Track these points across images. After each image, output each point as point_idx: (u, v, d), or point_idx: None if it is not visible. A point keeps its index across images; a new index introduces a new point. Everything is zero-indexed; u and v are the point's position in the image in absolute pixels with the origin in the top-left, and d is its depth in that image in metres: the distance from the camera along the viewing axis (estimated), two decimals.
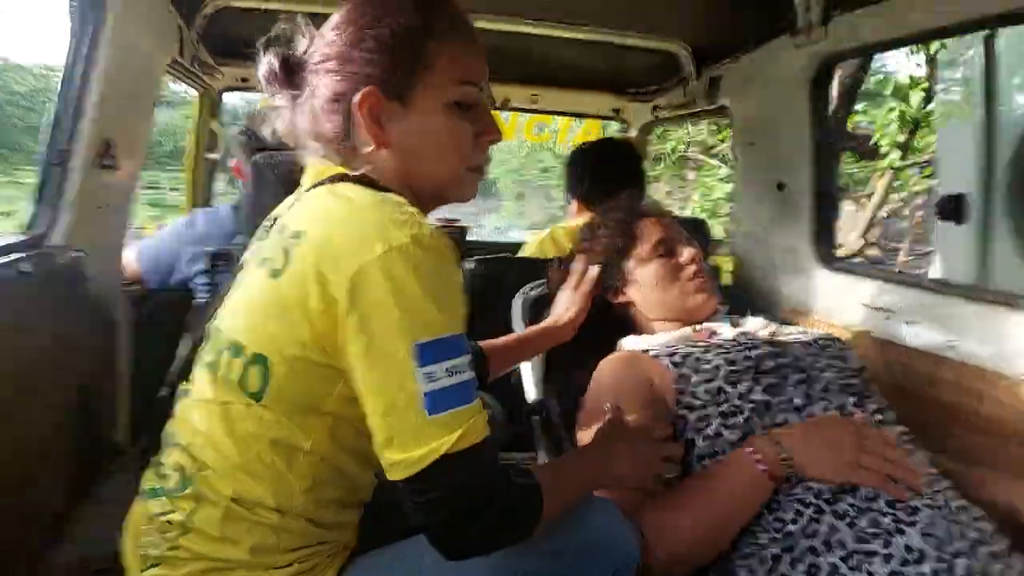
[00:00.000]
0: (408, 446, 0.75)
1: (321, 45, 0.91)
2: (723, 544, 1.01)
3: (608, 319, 1.46)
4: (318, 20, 0.96)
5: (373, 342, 0.75)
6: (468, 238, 3.08)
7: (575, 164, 2.17)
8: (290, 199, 0.97)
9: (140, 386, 1.83)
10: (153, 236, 2.12)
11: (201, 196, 2.78)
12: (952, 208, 1.53)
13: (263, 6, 2.05)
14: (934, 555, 0.89)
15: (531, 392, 1.47)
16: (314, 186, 0.91)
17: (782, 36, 1.82)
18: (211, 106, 2.69)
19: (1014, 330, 1.34)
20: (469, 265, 2.02)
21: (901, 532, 0.92)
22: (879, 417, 1.13)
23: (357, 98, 0.87)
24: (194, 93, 2.70)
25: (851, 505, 0.96)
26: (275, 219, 0.94)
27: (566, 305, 1.43)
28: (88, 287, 1.54)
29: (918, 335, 1.54)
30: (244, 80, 2.68)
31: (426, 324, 0.75)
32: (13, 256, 1.30)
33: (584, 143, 2.35)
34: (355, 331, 0.76)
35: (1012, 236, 1.47)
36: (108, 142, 1.64)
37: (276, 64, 0.91)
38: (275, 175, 1.69)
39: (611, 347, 1.38)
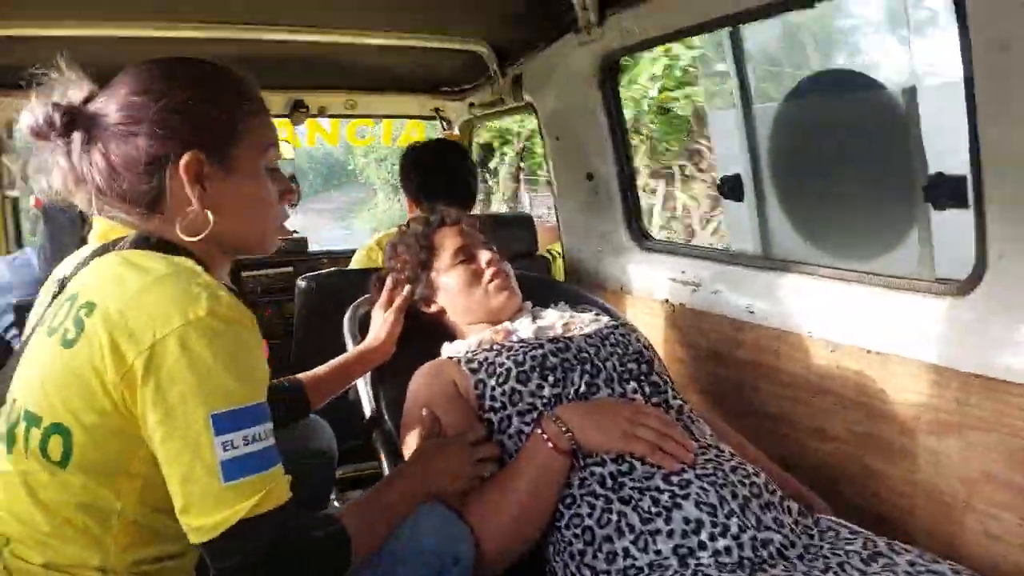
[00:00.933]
0: (206, 512, 0.77)
1: (123, 106, 0.88)
2: (537, 524, 1.09)
3: (433, 327, 1.50)
4: (62, 45, 0.91)
5: (170, 413, 0.77)
6: (311, 248, 3.02)
7: (405, 164, 2.19)
8: (73, 260, 0.94)
9: None
10: None
11: (7, 239, 2.49)
12: (731, 187, 1.73)
13: (16, 33, 1.85)
14: (708, 521, 1.00)
15: (367, 406, 1.49)
16: (101, 249, 0.89)
17: (568, 35, 1.94)
18: None
19: (797, 292, 1.54)
20: (301, 283, 1.99)
21: (679, 507, 1.01)
22: (654, 400, 1.26)
23: (184, 161, 0.87)
24: None
25: (632, 488, 1.05)
26: (62, 282, 0.91)
27: (380, 324, 1.47)
28: None
29: (721, 303, 1.73)
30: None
31: (223, 394, 0.78)
32: None
33: (413, 143, 2.37)
34: (152, 402, 0.78)
35: (781, 210, 1.69)
36: None
37: (56, 117, 0.86)
38: (68, 219, 1.56)
39: (437, 353, 1.42)
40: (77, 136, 0.88)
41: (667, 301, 1.90)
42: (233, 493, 0.77)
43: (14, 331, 1.81)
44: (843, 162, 1.56)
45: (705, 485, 1.04)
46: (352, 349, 1.49)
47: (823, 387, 1.47)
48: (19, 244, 2.57)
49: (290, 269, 2.85)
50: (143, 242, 0.89)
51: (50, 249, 1.78)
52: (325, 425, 1.67)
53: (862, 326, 1.40)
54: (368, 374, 1.49)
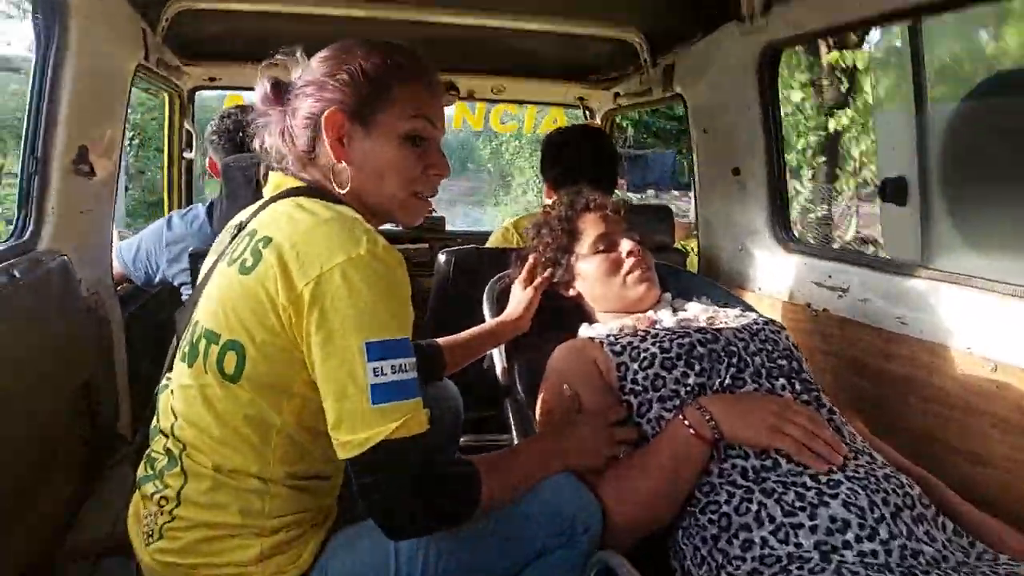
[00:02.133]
0: (355, 429, 0.85)
1: (306, 73, 1.03)
2: (670, 506, 1.10)
3: (569, 306, 1.54)
4: (280, 20, 1.07)
5: (331, 336, 0.86)
6: (448, 227, 3.16)
7: (547, 149, 2.23)
8: (250, 209, 1.07)
9: (138, 379, 1.91)
10: (132, 239, 2.17)
11: (180, 195, 2.82)
12: (893, 190, 1.63)
13: (224, 7, 2.10)
14: (856, 522, 0.97)
15: (500, 376, 1.55)
16: (275, 197, 1.01)
17: (729, 24, 1.90)
18: (181, 106, 2.71)
19: (959, 305, 1.44)
20: (441, 257, 2.09)
21: (826, 504, 0.99)
22: (804, 397, 1.22)
23: (324, 116, 0.98)
24: None
25: (777, 482, 1.03)
26: (240, 224, 1.04)
27: (519, 300, 1.52)
28: (78, 289, 1.60)
29: (871, 312, 1.64)
30: (212, 79, 2.71)
31: (377, 325, 0.86)
32: (4, 263, 1.35)
33: (557, 129, 2.41)
34: (316, 325, 0.86)
35: (950, 217, 1.57)
36: (83, 147, 1.69)
37: (268, 86, 1.04)
38: (244, 177, 1.74)
39: (573, 333, 1.46)
40: (283, 101, 1.04)
41: (809, 305, 1.83)
42: (379, 414, 0.85)
43: (184, 277, 2.04)
44: None
45: (856, 487, 1.01)
46: (490, 320, 1.56)
47: (981, 408, 1.37)
48: (189, 200, 2.88)
49: (427, 246, 3.01)
50: (312, 191, 1.00)
51: (226, 204, 1.98)
52: (455, 389, 1.75)
53: None
54: (503, 346, 1.55)
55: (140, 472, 1.02)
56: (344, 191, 1.00)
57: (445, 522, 0.93)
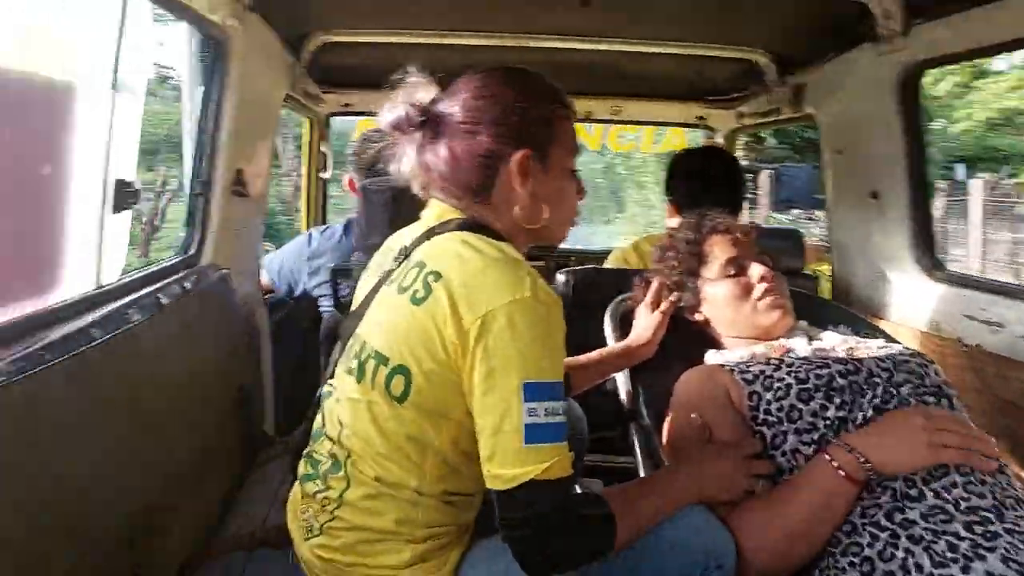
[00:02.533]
0: (507, 464, 0.89)
1: (467, 108, 1.05)
2: (808, 550, 1.05)
3: (695, 330, 1.51)
4: (410, 49, 1.11)
5: (492, 372, 0.90)
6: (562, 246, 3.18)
7: (673, 169, 2.20)
8: (411, 233, 1.11)
9: (280, 383, 2.06)
10: (276, 253, 2.36)
11: (315, 213, 3.02)
12: None
13: (359, 39, 2.25)
14: None
15: (625, 399, 1.54)
16: (438, 226, 1.06)
17: (864, 44, 1.81)
18: (319, 131, 2.91)
19: None
20: (560, 276, 2.11)
21: (981, 558, 0.92)
22: None
23: (516, 157, 1.03)
24: None
25: (926, 529, 0.97)
26: (404, 250, 1.08)
27: (645, 324, 1.50)
28: (235, 299, 1.76)
29: None
30: (347, 105, 2.90)
31: (536, 367, 0.90)
32: (175, 276, 1.51)
33: (685, 149, 2.38)
34: (479, 360, 0.91)
35: None
36: (240, 171, 1.86)
37: (413, 114, 1.06)
38: (381, 199, 1.85)
39: (699, 357, 1.43)
40: (427, 133, 1.06)
41: (959, 340, 1.69)
42: (530, 454, 0.88)
43: (323, 290, 2.18)
44: None
45: (1016, 542, 0.93)
46: (614, 343, 1.56)
47: None
48: (324, 218, 3.07)
49: (542, 263, 3.04)
50: (473, 226, 1.03)
51: (364, 223, 2.10)
52: (579, 410, 1.76)
53: None
54: (627, 370, 1.54)
55: (301, 470, 1.10)
56: (530, 226, 1.06)
57: (579, 563, 0.96)
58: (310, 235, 2.28)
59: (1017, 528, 0.95)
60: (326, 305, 2.16)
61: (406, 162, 1.09)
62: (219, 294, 1.67)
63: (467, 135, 1.03)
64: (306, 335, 2.17)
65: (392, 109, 1.07)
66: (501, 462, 0.89)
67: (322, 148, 2.94)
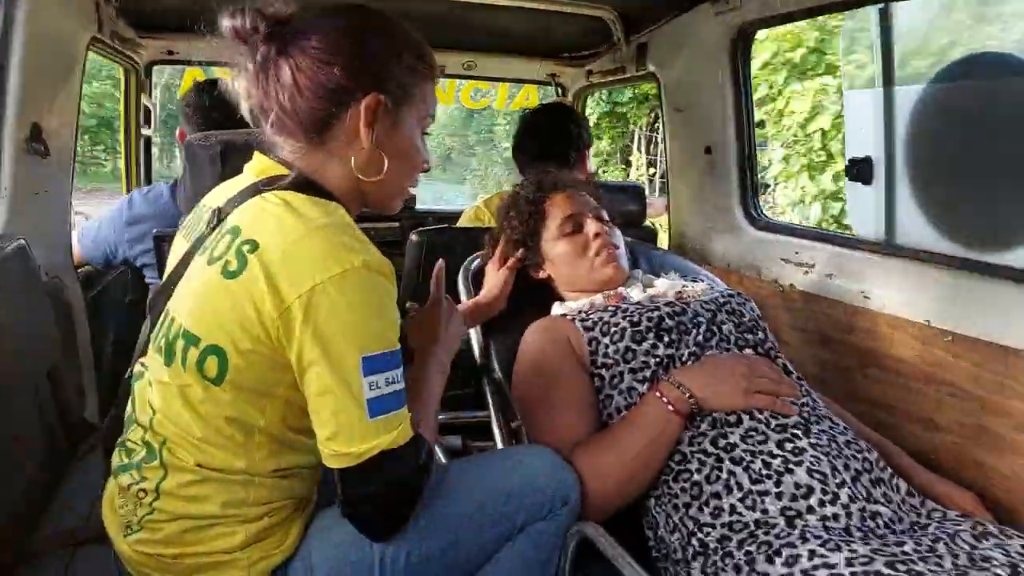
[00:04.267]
0: (353, 442, 0.86)
1: (327, 35, 0.93)
2: (645, 480, 1.13)
3: (540, 286, 1.55)
4: None
5: (327, 351, 0.85)
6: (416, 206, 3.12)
7: (520, 126, 2.22)
8: (227, 191, 1.00)
9: (101, 364, 1.86)
10: (91, 220, 2.10)
11: (138, 173, 2.73)
12: (859, 170, 1.66)
13: None
14: (819, 488, 1.02)
15: (478, 355, 1.56)
16: (259, 185, 0.96)
17: (703, 4, 1.90)
18: (138, 81, 2.61)
19: (917, 281, 1.50)
20: (414, 237, 2.07)
21: (791, 472, 1.04)
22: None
23: (366, 100, 0.93)
24: None
25: (744, 451, 1.08)
26: (218, 211, 0.97)
27: (494, 281, 1.52)
28: (37, 273, 1.55)
29: (836, 287, 1.69)
30: (170, 52, 2.61)
31: (373, 339, 0.86)
32: None
33: (531, 108, 2.38)
34: (310, 340, 0.85)
35: (913, 196, 1.61)
36: (36, 126, 1.62)
37: (260, 24, 0.92)
38: (208, 156, 1.69)
39: (546, 310, 1.47)
40: (273, 48, 0.93)
41: (776, 281, 1.87)
42: (376, 427, 0.86)
43: (148, 258, 1.98)
44: (990, 151, 1.46)
45: (818, 454, 1.06)
46: (466, 301, 1.56)
47: (937, 377, 1.42)
48: (149, 179, 2.79)
49: (396, 224, 2.97)
50: (299, 184, 0.94)
51: (190, 183, 1.92)
52: None
53: (986, 318, 1.34)
54: (479, 327, 1.55)
55: (115, 461, 0.99)
56: (372, 179, 0.97)
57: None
58: (131, 198, 2.04)
59: (820, 443, 1.08)
60: (152, 275, 1.97)
61: (242, 77, 0.95)
62: (16, 268, 1.45)
63: (318, 64, 0.92)
64: (130, 308, 1.97)
65: (234, 15, 0.92)
66: (348, 439, 0.86)
67: (144, 101, 2.64)
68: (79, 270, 1.97)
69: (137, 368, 1.01)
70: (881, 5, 1.53)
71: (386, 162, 0.97)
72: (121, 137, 2.71)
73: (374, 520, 0.91)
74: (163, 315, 0.98)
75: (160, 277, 1.89)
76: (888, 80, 1.53)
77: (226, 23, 0.93)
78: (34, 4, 1.51)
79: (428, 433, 0.96)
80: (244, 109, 0.98)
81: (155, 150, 2.93)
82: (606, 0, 2.28)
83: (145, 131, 2.70)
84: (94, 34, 1.93)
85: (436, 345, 1.16)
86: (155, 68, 2.71)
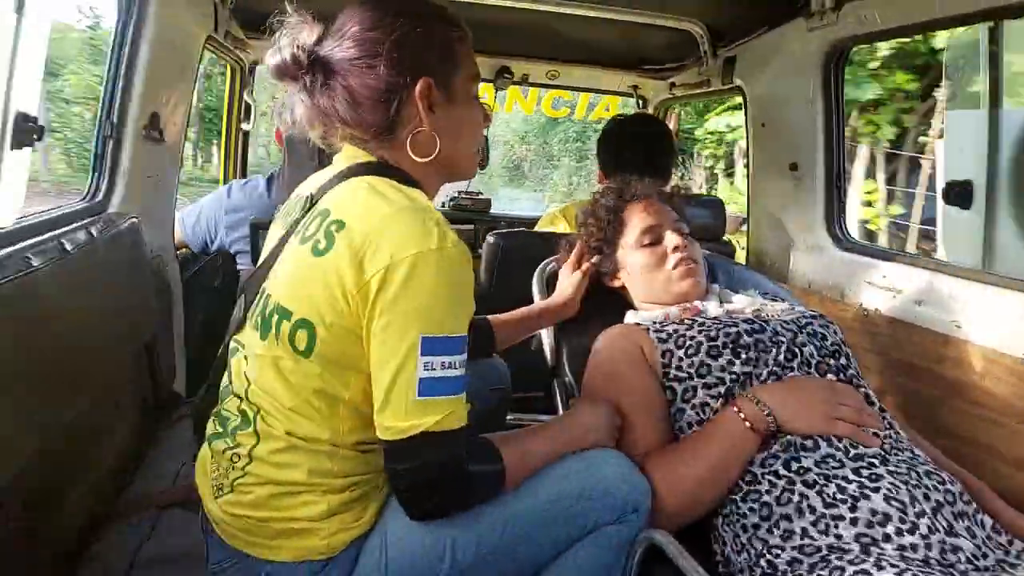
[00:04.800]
0: (398, 416, 0.89)
1: (359, 42, 0.98)
2: (716, 496, 1.12)
3: (614, 293, 1.55)
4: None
5: (391, 324, 0.89)
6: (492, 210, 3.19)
7: (603, 135, 2.22)
8: (320, 179, 1.07)
9: (191, 341, 1.98)
10: (193, 206, 2.24)
11: (237, 166, 2.89)
12: (958, 193, 1.59)
13: None
14: (897, 516, 0.97)
15: (549, 358, 1.58)
16: (347, 171, 1.01)
17: (796, 19, 1.87)
18: (242, 79, 2.77)
19: (1015, 312, 1.42)
20: (491, 239, 2.11)
21: (867, 497, 0.99)
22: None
23: (418, 87, 0.98)
24: None
25: (818, 474, 1.04)
26: (311, 197, 1.04)
27: (567, 284, 1.53)
28: (145, 251, 1.67)
29: (925, 314, 1.62)
30: None
31: (435, 321, 0.89)
32: (80, 222, 1.41)
33: (617, 116, 2.39)
34: (379, 312, 0.89)
35: (1015, 223, 1.53)
36: (155, 115, 1.75)
37: (301, 57, 0.98)
38: (308, 149, 1.78)
39: (619, 317, 1.47)
40: (319, 73, 0.98)
41: (860, 305, 1.81)
42: (421, 407, 0.88)
43: (242, 245, 2.10)
44: None
45: (897, 482, 1.01)
46: (539, 302, 1.58)
47: None
48: (245, 171, 2.95)
49: (472, 227, 3.03)
50: (383, 169, 1.00)
51: (288, 175, 2.02)
52: (504, 367, 1.78)
53: None
54: (551, 328, 1.57)
55: (209, 430, 1.06)
56: (424, 159, 1.01)
57: (463, 510, 0.97)
58: (229, 187, 2.18)
59: (899, 471, 1.04)
60: (244, 262, 2.08)
61: (299, 109, 1.01)
62: (128, 244, 1.57)
63: (364, 71, 0.97)
64: (221, 292, 2.10)
65: (275, 54, 0.99)
66: (392, 414, 0.89)
67: (245, 98, 2.80)
68: (178, 252, 2.11)
69: (232, 344, 1.08)
70: (991, 23, 1.46)
71: (451, 139, 1.02)
72: (223, 130, 2.87)
73: (410, 497, 0.94)
74: (259, 294, 1.04)
75: (254, 263, 2.01)
76: (995, 100, 1.46)
77: (270, 62, 1.00)
78: (161, 5, 1.64)
79: (514, 463, 0.99)
80: (315, 137, 1.04)
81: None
82: (695, 13, 2.28)
83: (245, 126, 2.86)
84: (210, 33, 2.07)
85: (596, 412, 1.16)
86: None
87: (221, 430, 1.03)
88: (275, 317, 0.97)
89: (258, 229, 1.99)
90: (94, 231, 1.41)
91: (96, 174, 1.64)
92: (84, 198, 1.62)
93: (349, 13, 1.01)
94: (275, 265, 1.04)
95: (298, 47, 0.98)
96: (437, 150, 1.01)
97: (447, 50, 1.02)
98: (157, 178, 1.82)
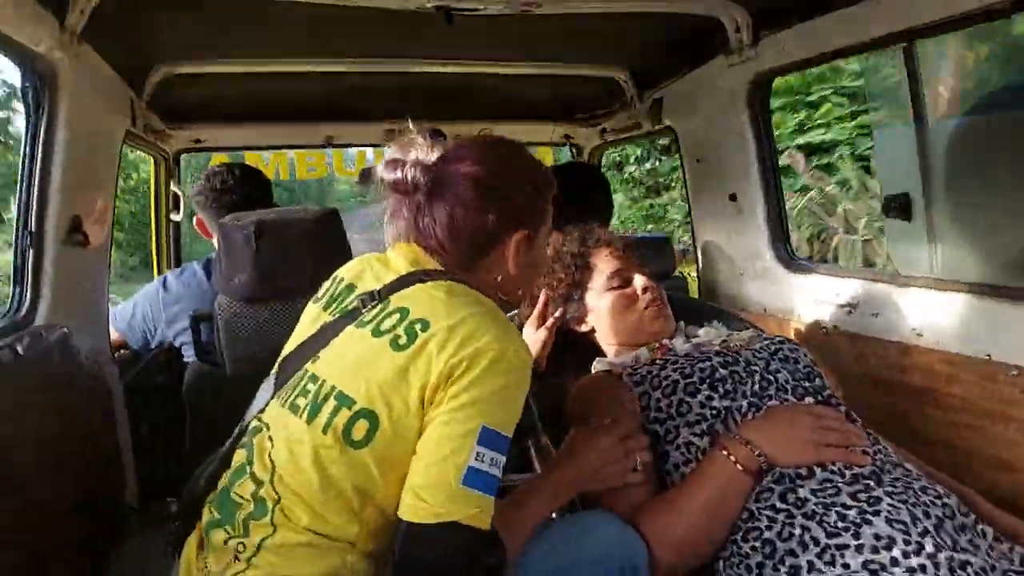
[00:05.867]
0: (435, 498, 0.88)
1: (477, 183, 1.03)
2: (714, 542, 1.08)
3: (583, 342, 1.52)
4: (264, 80, 1.02)
5: (461, 407, 0.90)
6: None
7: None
8: (377, 271, 1.07)
9: (141, 445, 1.84)
10: (126, 302, 2.13)
11: (169, 257, 2.79)
12: (898, 206, 1.65)
13: (207, 70, 2.11)
14: (901, 539, 0.96)
15: (520, 419, 1.52)
16: (420, 273, 1.02)
17: (717, 57, 1.94)
18: (167, 169, 2.70)
19: (973, 314, 1.45)
20: None
21: (868, 523, 0.98)
22: None
23: (516, 238, 1.05)
24: None
25: (817, 504, 1.03)
26: (377, 293, 1.02)
27: (532, 340, 1.51)
28: (79, 360, 1.56)
29: (884, 326, 1.64)
30: (198, 141, 2.71)
31: (499, 417, 0.91)
32: (5, 340, 1.31)
33: (553, 166, 2.43)
34: (453, 393, 0.90)
35: (953, 230, 1.58)
36: (76, 218, 1.66)
37: (420, 177, 1.02)
38: (243, 236, 1.72)
39: (586, 367, 1.45)
40: (431, 195, 1.03)
41: (818, 323, 1.83)
42: (463, 496, 0.87)
43: (185, 337, 1.99)
44: None
45: (896, 503, 1.00)
46: None
47: (1007, 415, 1.36)
48: (179, 261, 2.85)
49: None
50: (451, 277, 1.02)
51: (226, 263, 1.94)
52: None
53: None
54: None
55: (206, 517, 0.99)
56: (506, 297, 1.09)
57: None
58: (164, 279, 2.08)
59: (896, 490, 1.03)
60: (188, 355, 1.97)
61: (402, 226, 1.06)
62: (60, 356, 1.46)
63: (473, 211, 1.03)
64: (166, 389, 1.97)
65: (393, 167, 1.03)
66: (432, 494, 0.87)
67: (173, 188, 2.72)
68: (116, 354, 1.98)
69: (254, 423, 1.03)
70: (904, 44, 1.54)
71: (521, 281, 1.10)
72: (151, 223, 2.77)
73: None
74: (300, 376, 1.00)
75: (198, 356, 1.91)
76: (919, 116, 1.53)
77: (387, 176, 1.03)
78: (75, 103, 1.57)
79: (514, 546, 0.98)
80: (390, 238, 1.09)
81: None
82: (618, 60, 2.34)
83: (174, 216, 2.77)
84: (129, 128, 2.00)
85: (569, 459, 1.15)
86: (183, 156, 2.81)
87: (223, 517, 0.96)
88: (331, 404, 0.95)
89: (199, 321, 1.89)
90: (19, 348, 1.30)
91: (18, 287, 1.52)
92: (7, 314, 1.50)
93: (471, 146, 1.07)
94: (329, 351, 1.01)
95: (419, 168, 1.03)
96: (520, 293, 1.11)
97: (541, 207, 1.10)
98: (85, 283, 1.72)
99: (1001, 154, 1.46)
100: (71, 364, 1.51)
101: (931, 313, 1.53)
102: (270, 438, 0.98)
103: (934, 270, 1.52)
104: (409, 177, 1.02)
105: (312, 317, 1.10)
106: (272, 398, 1.03)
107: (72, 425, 1.47)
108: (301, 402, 0.97)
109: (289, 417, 0.98)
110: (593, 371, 1.44)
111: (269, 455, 0.97)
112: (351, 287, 1.08)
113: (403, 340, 0.94)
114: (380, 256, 1.10)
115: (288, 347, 1.09)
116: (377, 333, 0.97)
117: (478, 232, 1.04)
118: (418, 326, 0.94)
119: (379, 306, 1.01)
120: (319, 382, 0.98)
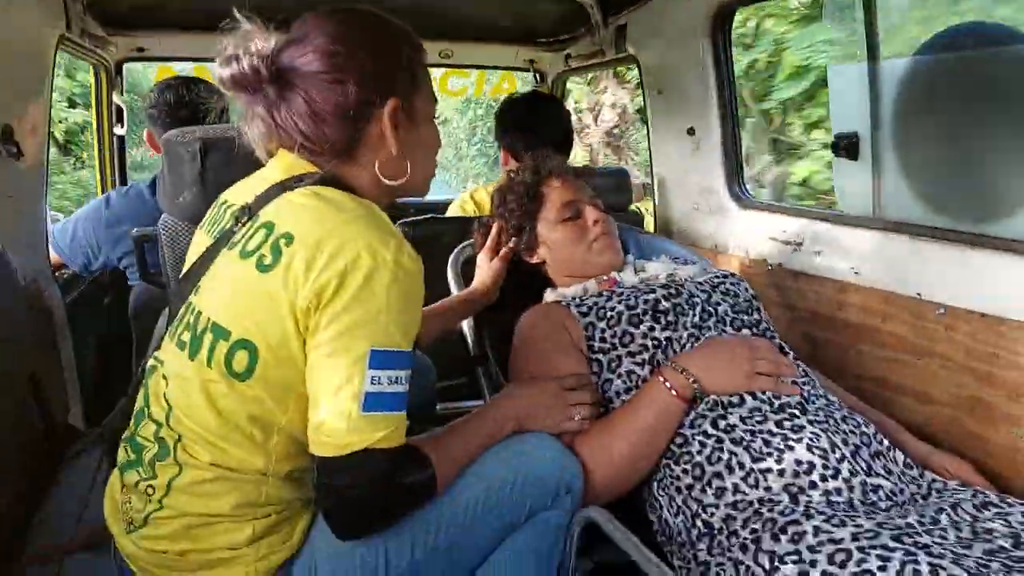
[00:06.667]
0: (339, 430, 0.85)
1: (326, 55, 0.93)
2: (648, 465, 1.14)
3: (534, 271, 1.54)
4: None
5: (340, 335, 0.84)
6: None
7: (502, 115, 2.20)
8: (253, 187, 0.99)
9: (86, 368, 1.82)
10: (64, 221, 2.05)
11: (113, 174, 2.67)
12: (846, 146, 1.66)
13: None
14: (820, 464, 1.03)
15: (472, 346, 1.55)
16: (290, 181, 0.95)
17: None
18: (109, 79, 2.55)
19: (908, 254, 1.50)
20: (402, 229, 2.05)
21: (791, 449, 1.04)
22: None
23: (389, 107, 0.95)
24: None
25: (745, 431, 1.08)
26: (247, 208, 0.96)
27: (486, 271, 1.51)
28: (15, 278, 1.51)
29: (824, 264, 1.69)
30: (141, 50, 2.56)
31: (386, 334, 0.85)
32: None
33: (512, 94, 2.38)
34: (328, 319, 0.84)
35: (901, 170, 1.60)
36: (6, 128, 1.58)
37: (262, 68, 0.92)
38: (188, 153, 1.65)
39: (539, 297, 1.46)
40: (280, 85, 0.93)
41: (765, 261, 1.88)
42: (366, 423, 0.84)
43: (131, 260, 1.93)
44: (977, 122, 1.46)
45: (817, 431, 1.06)
46: (456, 292, 1.55)
47: (930, 350, 1.44)
48: (124, 179, 2.73)
49: None
50: (329, 182, 0.95)
51: (170, 181, 1.87)
52: (428, 362, 1.74)
53: (977, 289, 1.35)
54: (472, 317, 1.54)
55: (121, 457, 0.98)
56: (366, 183, 0.98)
57: (393, 522, 0.93)
58: (108, 197, 1.99)
59: (818, 419, 1.09)
60: (133, 277, 1.92)
61: (261, 128, 0.96)
62: None
63: (331, 86, 0.92)
64: (111, 311, 1.94)
65: (230, 62, 0.92)
66: (335, 427, 0.85)
67: (115, 99, 2.58)
68: (57, 273, 1.93)
69: (150, 363, 0.99)
70: None
71: (410, 161, 1.00)
72: (94, 137, 2.64)
73: (339, 515, 0.89)
74: (184, 309, 0.96)
75: (143, 279, 1.86)
76: (872, 53, 1.52)
77: (224, 73, 0.93)
78: (2, 5, 1.46)
79: (443, 465, 0.94)
80: (260, 151, 1.00)
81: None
82: None
83: (118, 130, 2.63)
84: (63, 32, 1.88)
85: (512, 399, 1.13)
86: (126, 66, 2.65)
87: (134, 458, 0.95)
88: (209, 337, 0.90)
89: (143, 241, 1.83)
90: None
91: None
92: None
93: (313, 23, 0.96)
94: (205, 279, 0.96)
95: (258, 56, 0.92)
96: (407, 175, 1.00)
97: (412, 70, 1.00)
98: (19, 197, 1.65)
99: (949, 98, 1.48)
100: (6, 283, 1.47)
101: (868, 253, 1.59)
102: (164, 376, 0.95)
103: (876, 211, 1.56)
104: (248, 68, 0.91)
105: (196, 244, 1.04)
106: (165, 334, 0.99)
107: (9, 346, 1.44)
108: (186, 337, 0.94)
109: (177, 353, 0.94)
110: (544, 301, 1.45)
111: (164, 395, 0.94)
112: (228, 204, 1.02)
113: (268, 260, 0.88)
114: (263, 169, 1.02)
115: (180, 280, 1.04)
116: (245, 254, 0.91)
117: (340, 109, 0.93)
118: (282, 241, 0.88)
119: (248, 223, 0.94)
120: (196, 313, 0.94)
